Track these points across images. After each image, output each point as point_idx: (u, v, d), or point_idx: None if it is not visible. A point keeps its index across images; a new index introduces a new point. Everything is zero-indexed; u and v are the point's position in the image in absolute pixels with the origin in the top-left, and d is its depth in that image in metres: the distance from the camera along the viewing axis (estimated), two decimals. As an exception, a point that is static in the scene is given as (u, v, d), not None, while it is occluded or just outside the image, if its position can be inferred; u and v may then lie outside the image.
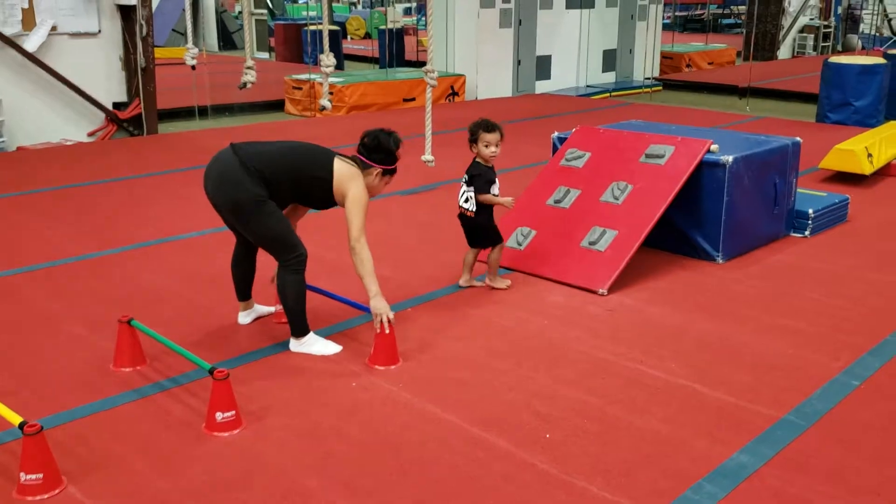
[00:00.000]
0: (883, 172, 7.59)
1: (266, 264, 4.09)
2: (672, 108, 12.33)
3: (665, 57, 16.50)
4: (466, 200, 4.59)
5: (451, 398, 3.47)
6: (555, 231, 5.12)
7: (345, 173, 3.78)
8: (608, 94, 14.11)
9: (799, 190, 5.95)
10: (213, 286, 4.78)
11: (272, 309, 4.28)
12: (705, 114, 11.65)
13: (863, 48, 20.77)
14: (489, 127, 4.51)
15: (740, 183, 5.19)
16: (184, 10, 21.55)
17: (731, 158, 5.07)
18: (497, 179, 4.59)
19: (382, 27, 18.23)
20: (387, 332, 3.69)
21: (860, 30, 22.42)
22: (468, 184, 4.57)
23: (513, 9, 13.24)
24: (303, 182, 3.77)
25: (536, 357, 3.88)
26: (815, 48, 21.04)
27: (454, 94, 12.76)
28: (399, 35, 18.28)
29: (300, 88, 11.80)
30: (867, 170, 7.19)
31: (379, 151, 3.90)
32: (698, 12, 25.59)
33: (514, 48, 13.51)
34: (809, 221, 5.77)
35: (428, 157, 6.65)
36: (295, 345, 3.89)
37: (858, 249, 5.53)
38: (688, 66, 16.88)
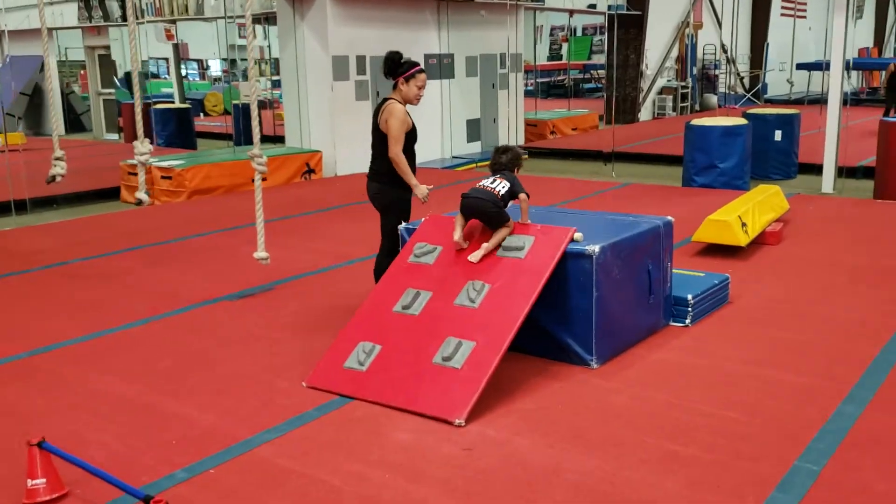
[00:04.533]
0: (758, 241, 7.20)
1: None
2: (538, 179, 11.88)
3: (529, 124, 16.28)
4: (493, 182, 4.72)
5: None
6: (403, 345, 4.28)
7: (383, 121, 5.10)
8: (475, 165, 13.62)
9: (674, 270, 5.37)
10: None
11: None
12: (572, 183, 11.25)
13: (720, 106, 21.43)
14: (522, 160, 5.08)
15: (610, 274, 4.53)
16: (21, 93, 20.07)
17: (597, 248, 4.40)
18: None
19: (236, 102, 17.33)
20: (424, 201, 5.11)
21: (716, 89, 23.20)
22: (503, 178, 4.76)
23: (369, 81, 12.62)
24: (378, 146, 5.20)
25: (372, 532, 2.98)
26: (674, 109, 21.50)
27: (310, 171, 11.91)
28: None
29: (136, 174, 10.64)
30: (743, 241, 6.76)
31: (391, 67, 5.03)
32: (560, 78, 25.95)
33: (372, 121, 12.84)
34: (689, 309, 5.17)
35: (261, 254, 5.72)
36: None
37: (745, 338, 4.95)
38: (552, 132, 16.71)
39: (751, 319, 5.29)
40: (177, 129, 16.12)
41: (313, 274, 6.63)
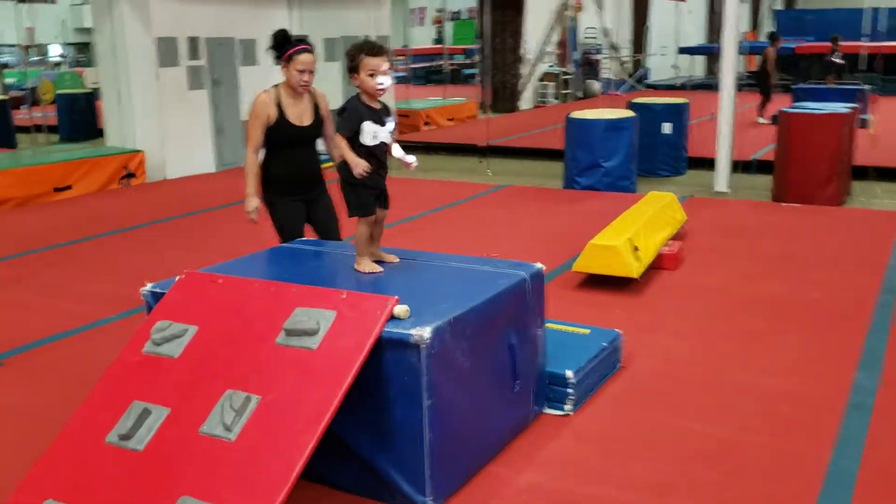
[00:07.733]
0: (653, 265, 5.84)
1: None
2: (404, 181, 10.30)
3: (401, 115, 14.66)
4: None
5: None
6: (111, 507, 2.63)
7: None
8: (333, 164, 11.92)
9: (549, 325, 3.89)
10: None
11: None
12: (441, 186, 9.73)
13: (603, 93, 20.43)
14: (374, 49, 3.45)
15: (450, 367, 2.99)
16: None
17: (427, 332, 2.85)
18: (387, 120, 3.53)
19: (62, 91, 15.08)
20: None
21: (599, 74, 22.21)
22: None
23: (205, 66, 10.71)
24: None
25: None
26: (556, 96, 20.36)
27: (130, 175, 9.93)
28: (89, 100, 15.20)
29: None
30: (635, 271, 5.38)
31: (275, 49, 4.30)
32: (438, 63, 24.45)
33: (211, 114, 10.96)
34: (570, 389, 3.72)
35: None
36: None
37: (645, 436, 3.52)
38: (426, 123, 15.17)
39: (650, 398, 3.88)
40: (-10, 124, 13.80)
41: (72, 335, 4.82)
